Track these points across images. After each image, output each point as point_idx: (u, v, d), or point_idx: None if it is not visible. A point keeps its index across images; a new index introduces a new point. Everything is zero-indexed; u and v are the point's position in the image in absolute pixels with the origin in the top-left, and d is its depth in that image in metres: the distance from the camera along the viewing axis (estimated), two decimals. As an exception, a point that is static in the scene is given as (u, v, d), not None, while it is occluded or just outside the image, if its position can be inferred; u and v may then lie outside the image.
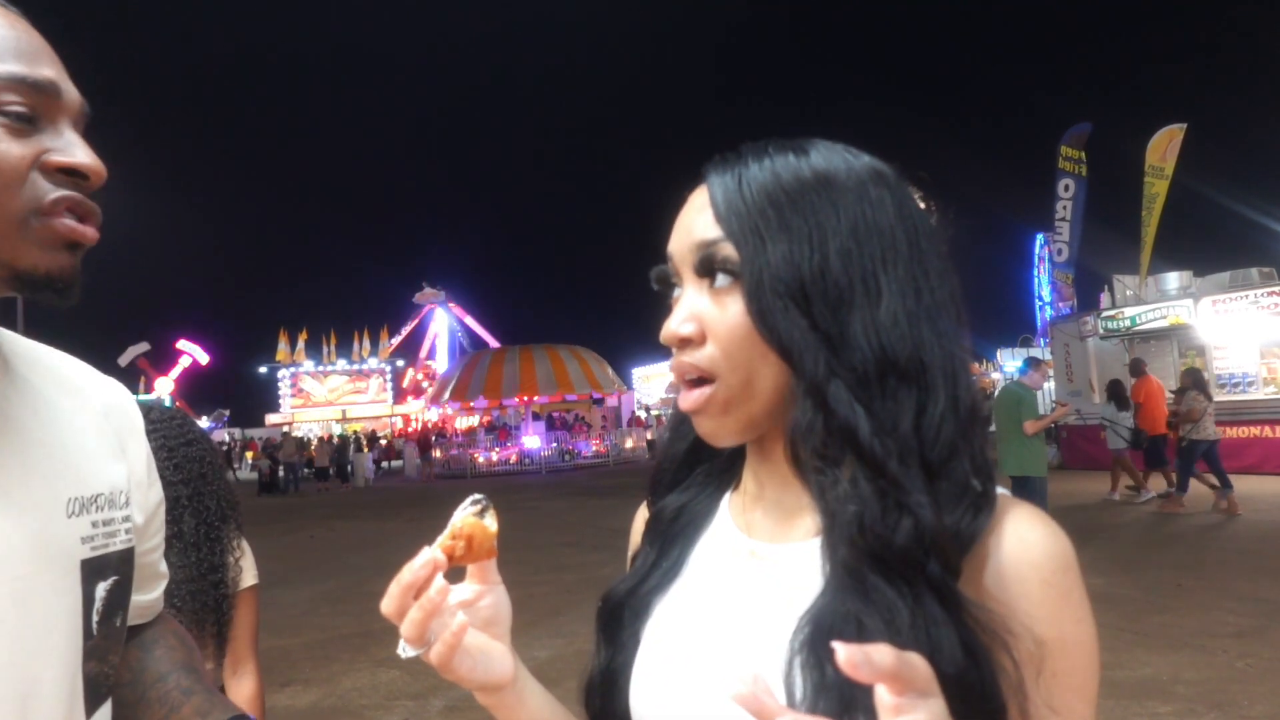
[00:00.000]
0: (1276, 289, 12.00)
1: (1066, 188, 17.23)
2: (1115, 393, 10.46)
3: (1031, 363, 7.00)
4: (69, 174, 0.70)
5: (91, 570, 0.76)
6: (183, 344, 43.46)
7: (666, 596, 0.74)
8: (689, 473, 0.79)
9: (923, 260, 0.65)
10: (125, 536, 0.81)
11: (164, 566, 0.98)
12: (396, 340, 50.42)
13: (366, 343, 47.53)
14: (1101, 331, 13.90)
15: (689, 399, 0.66)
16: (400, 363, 49.20)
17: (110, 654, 0.79)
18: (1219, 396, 12.43)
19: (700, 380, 0.66)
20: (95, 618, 0.76)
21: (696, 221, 0.67)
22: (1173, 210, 14.32)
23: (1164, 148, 14.31)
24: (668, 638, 0.72)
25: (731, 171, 0.67)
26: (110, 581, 0.78)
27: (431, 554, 0.64)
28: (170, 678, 0.87)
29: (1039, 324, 25.03)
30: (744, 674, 0.49)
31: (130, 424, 0.90)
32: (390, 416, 43.83)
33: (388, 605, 0.63)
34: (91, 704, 0.76)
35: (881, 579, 0.58)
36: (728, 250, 0.65)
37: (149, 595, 0.94)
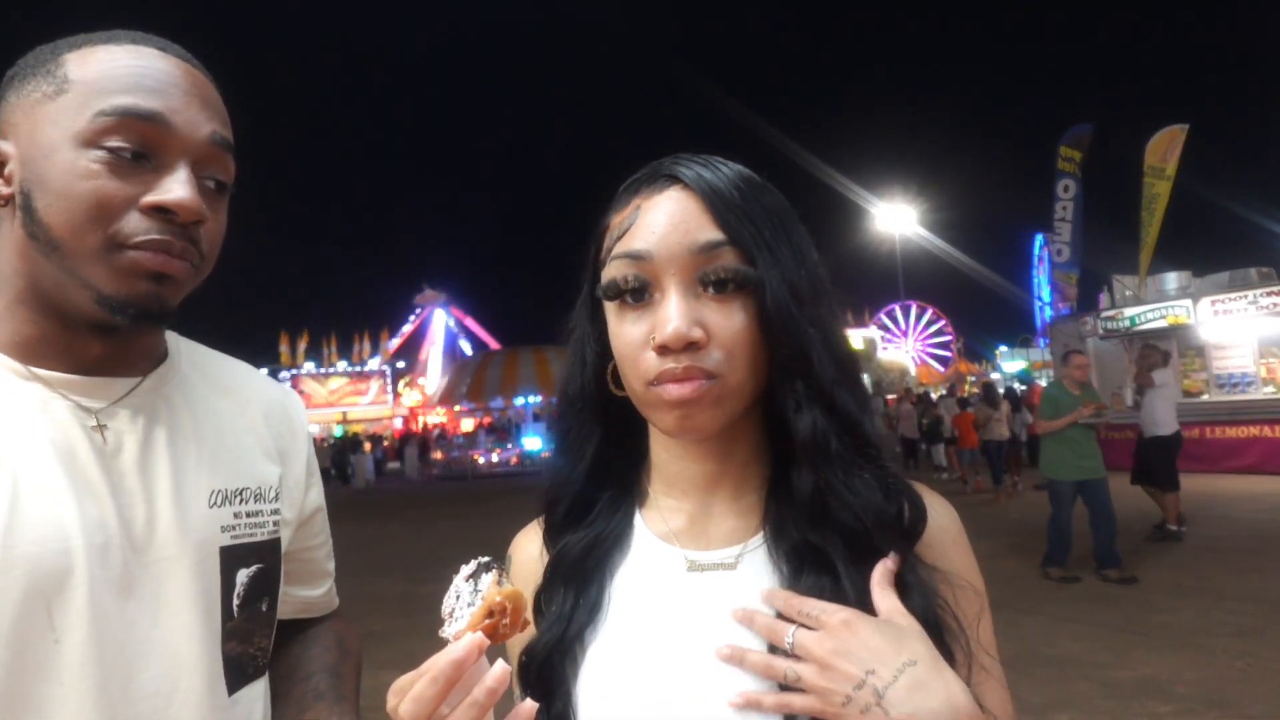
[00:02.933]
0: (1275, 289, 11.99)
1: (1066, 188, 17.23)
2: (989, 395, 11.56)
3: (1064, 357, 6.74)
4: (162, 211, 0.72)
5: (232, 556, 0.82)
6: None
7: (599, 633, 0.71)
8: (590, 505, 0.77)
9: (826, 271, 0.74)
10: (272, 529, 0.88)
11: (330, 565, 1.05)
12: (398, 340, 50.41)
13: (367, 344, 47.52)
14: (1101, 332, 13.89)
15: (686, 389, 0.65)
16: (401, 364, 49.19)
17: (256, 636, 0.85)
18: (1218, 397, 12.48)
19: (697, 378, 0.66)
20: (236, 601, 0.82)
21: (689, 223, 0.66)
22: (1172, 211, 14.32)
23: (1164, 148, 14.30)
24: (612, 672, 0.69)
25: (711, 176, 0.68)
26: (254, 569, 0.84)
27: (475, 638, 0.55)
28: (313, 679, 0.93)
29: (1039, 324, 25.03)
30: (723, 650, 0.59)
31: (290, 427, 0.96)
32: (391, 418, 43.80)
33: (414, 708, 0.53)
34: (235, 682, 0.82)
35: (856, 567, 0.67)
36: (731, 256, 0.66)
37: (312, 591, 1.01)
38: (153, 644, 0.75)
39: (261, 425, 0.92)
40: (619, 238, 0.69)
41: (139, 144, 0.72)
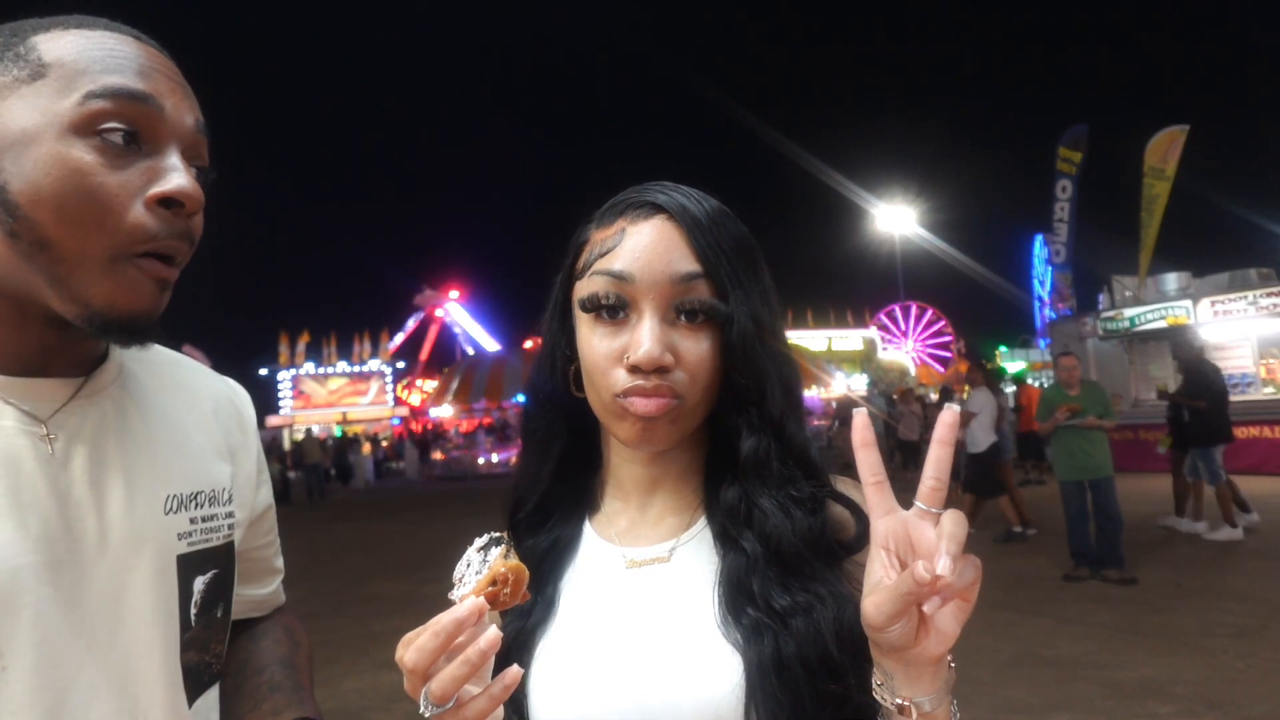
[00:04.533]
0: (1275, 289, 12.00)
1: (1064, 189, 17.25)
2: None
3: (1054, 359, 6.73)
4: (165, 204, 0.69)
5: (189, 564, 0.79)
6: (185, 349, 43.32)
7: (550, 629, 0.77)
8: (548, 512, 0.83)
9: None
10: (226, 532, 0.84)
11: (278, 562, 1.02)
12: (400, 338, 50.43)
13: (367, 344, 47.51)
14: (1101, 332, 13.90)
15: (652, 404, 0.71)
16: (401, 364, 49.21)
17: (212, 644, 0.82)
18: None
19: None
20: (193, 609, 0.79)
21: (672, 252, 0.72)
22: (1171, 211, 14.33)
23: (1164, 149, 14.31)
24: (559, 658, 0.75)
25: (694, 209, 0.74)
26: (209, 575, 0.81)
27: (478, 602, 0.59)
28: (266, 671, 0.90)
29: (1039, 324, 25.03)
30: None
31: (240, 423, 0.93)
32: (391, 418, 43.81)
33: (417, 657, 0.58)
34: (193, 692, 0.79)
35: (798, 569, 0.72)
36: (705, 288, 0.72)
37: (261, 590, 0.99)
38: (110, 661, 0.71)
39: (212, 422, 0.88)
40: (601, 254, 0.74)
41: (131, 126, 0.67)
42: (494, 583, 0.61)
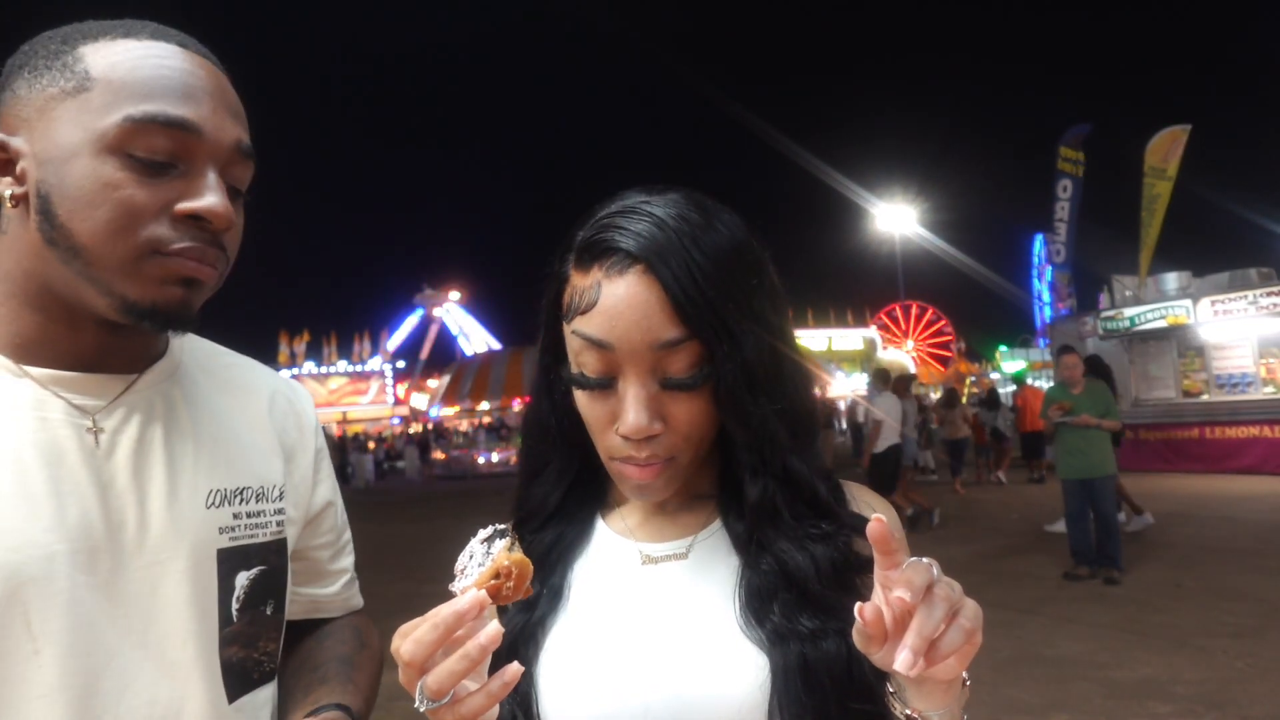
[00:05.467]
0: (1275, 289, 11.98)
1: (1065, 189, 17.25)
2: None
3: (1055, 357, 6.74)
4: (194, 219, 0.70)
5: (230, 559, 0.79)
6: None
7: (559, 620, 0.76)
8: (558, 510, 0.82)
9: (788, 308, 0.77)
10: (275, 529, 0.84)
11: (343, 563, 1.01)
12: (400, 337, 50.40)
13: (367, 344, 47.52)
14: (1101, 332, 13.89)
15: (647, 473, 0.70)
16: (401, 364, 49.20)
17: (260, 641, 0.82)
18: (1218, 397, 12.47)
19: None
20: (235, 605, 0.80)
21: (651, 319, 0.66)
22: (1172, 211, 14.32)
23: (1166, 149, 14.30)
24: (570, 652, 0.74)
25: (676, 259, 0.66)
26: (255, 571, 0.82)
27: (479, 595, 0.58)
28: (321, 668, 0.90)
29: (1039, 324, 25.03)
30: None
31: (298, 422, 0.94)
32: (391, 417, 43.80)
33: (414, 649, 0.56)
34: (236, 688, 0.79)
35: (816, 598, 0.70)
36: (693, 350, 0.67)
37: (323, 590, 0.98)
38: (145, 651, 0.73)
39: (266, 421, 0.90)
40: (579, 311, 0.69)
41: (167, 152, 0.69)
42: (497, 575, 0.59)
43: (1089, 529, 6.06)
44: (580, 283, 0.70)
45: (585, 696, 0.70)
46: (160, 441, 0.78)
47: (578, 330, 0.69)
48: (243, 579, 0.80)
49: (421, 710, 0.57)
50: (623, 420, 0.69)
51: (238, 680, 0.79)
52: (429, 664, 0.57)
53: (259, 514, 0.83)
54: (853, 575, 0.71)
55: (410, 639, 0.57)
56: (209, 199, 0.70)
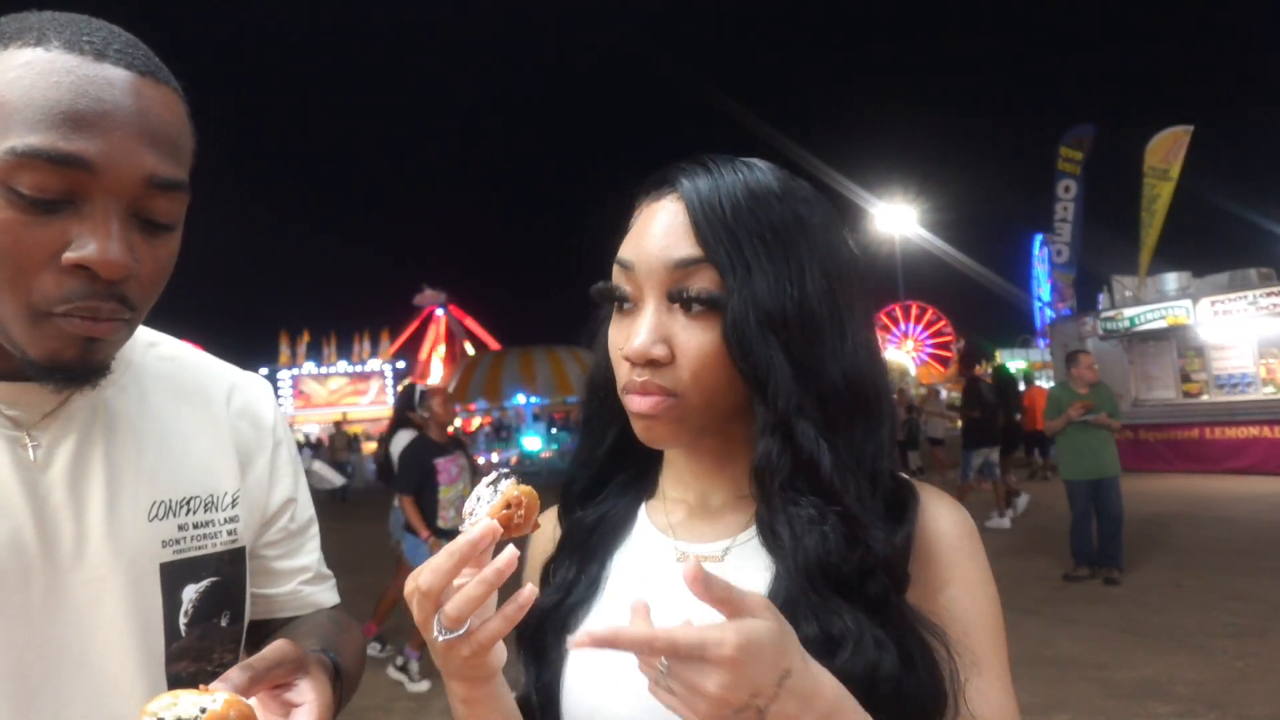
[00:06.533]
0: (1275, 289, 11.98)
1: (1067, 189, 17.23)
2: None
3: (1068, 358, 6.64)
4: (85, 268, 0.63)
5: (175, 573, 0.76)
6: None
7: (592, 610, 0.74)
8: (604, 485, 0.80)
9: (868, 296, 0.72)
10: (228, 538, 0.81)
11: (297, 561, 0.93)
12: (400, 338, 50.43)
13: (367, 344, 47.51)
14: (1101, 332, 13.89)
15: (646, 402, 0.67)
16: (401, 364, 49.18)
17: (215, 653, 0.79)
18: (1218, 397, 12.47)
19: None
20: (183, 619, 0.76)
21: (671, 236, 0.67)
22: (1172, 211, 14.31)
23: (1167, 149, 14.29)
24: (603, 652, 0.69)
25: (710, 189, 0.67)
26: (206, 583, 0.78)
27: (491, 523, 0.58)
28: (300, 641, 0.85)
29: (1039, 324, 25.04)
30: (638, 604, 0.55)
31: (255, 422, 0.89)
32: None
33: (431, 579, 0.57)
34: None
35: (822, 601, 0.64)
36: (707, 274, 0.66)
37: (273, 590, 0.91)
38: (82, 671, 0.70)
39: (220, 424, 0.85)
40: (624, 238, 0.71)
41: (58, 190, 0.61)
42: (508, 506, 0.60)
43: (1091, 530, 6.06)
44: (634, 215, 0.72)
45: (610, 693, 0.68)
46: (100, 453, 0.74)
47: (616, 257, 0.70)
48: (190, 592, 0.77)
49: (440, 642, 0.58)
50: (629, 342, 0.67)
51: None
52: (444, 597, 0.57)
53: (207, 524, 0.79)
54: (851, 571, 0.64)
55: (427, 569, 0.57)
56: (93, 249, 0.62)
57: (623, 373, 0.69)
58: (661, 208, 0.69)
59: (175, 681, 0.75)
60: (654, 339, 0.66)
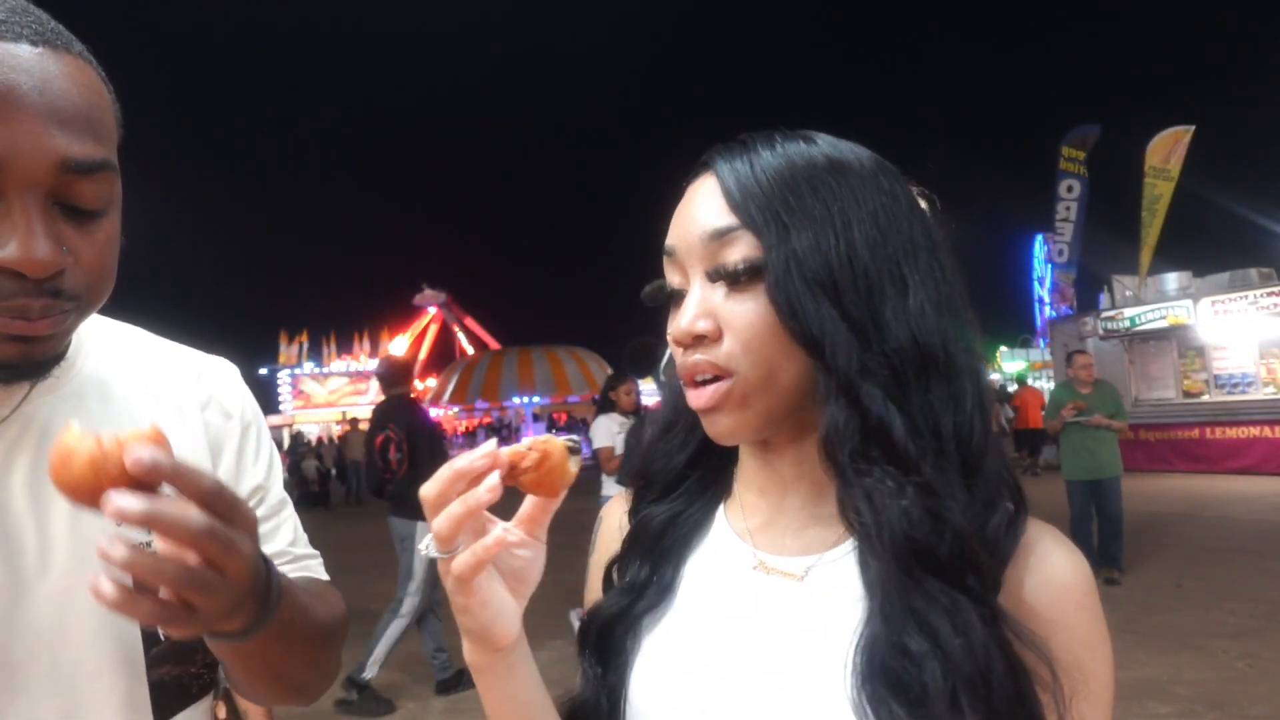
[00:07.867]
0: (1275, 289, 11.99)
1: (1069, 189, 17.22)
2: None
3: (1067, 358, 6.66)
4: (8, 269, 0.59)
5: None
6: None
7: (665, 616, 0.70)
8: (680, 482, 0.75)
9: (937, 253, 0.65)
10: None
11: (276, 545, 0.89)
12: (399, 339, 50.39)
13: (367, 344, 47.51)
14: (1101, 332, 13.89)
15: (702, 396, 0.63)
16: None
17: (198, 654, 0.76)
18: (1218, 397, 12.48)
19: (713, 379, 0.63)
20: None
21: (705, 210, 0.64)
22: (1172, 211, 14.31)
23: (1168, 149, 14.30)
24: (670, 657, 0.69)
25: (741, 157, 0.64)
26: None
27: (492, 447, 0.58)
28: None
29: (1039, 324, 25.04)
30: None
31: (223, 409, 0.86)
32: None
33: (431, 489, 0.57)
34: (168, 707, 0.74)
35: (923, 598, 0.57)
36: (745, 240, 0.62)
37: None
38: (52, 686, 0.67)
39: (191, 416, 0.82)
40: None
41: None
42: (529, 447, 0.59)
43: (1091, 530, 6.06)
44: None
45: (676, 708, 0.66)
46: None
47: (664, 248, 0.68)
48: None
49: (428, 556, 0.59)
50: (674, 323, 0.64)
51: (172, 698, 0.74)
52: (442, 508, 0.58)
53: None
54: (947, 555, 0.57)
55: (433, 479, 0.58)
56: (13, 248, 0.58)
57: (680, 362, 0.65)
58: (696, 188, 0.66)
59: (159, 688, 0.73)
60: (696, 315, 0.62)
